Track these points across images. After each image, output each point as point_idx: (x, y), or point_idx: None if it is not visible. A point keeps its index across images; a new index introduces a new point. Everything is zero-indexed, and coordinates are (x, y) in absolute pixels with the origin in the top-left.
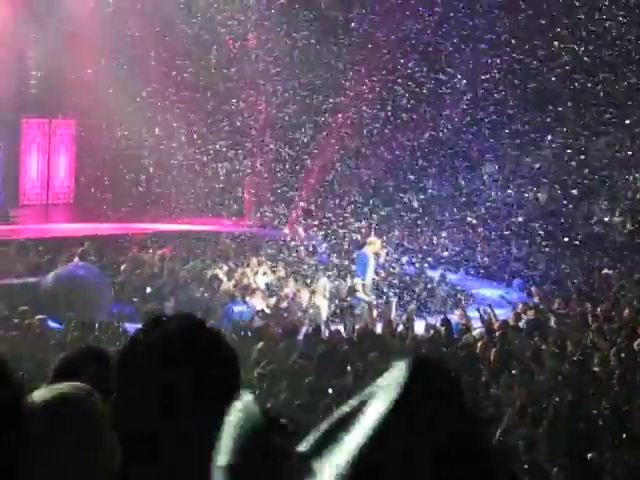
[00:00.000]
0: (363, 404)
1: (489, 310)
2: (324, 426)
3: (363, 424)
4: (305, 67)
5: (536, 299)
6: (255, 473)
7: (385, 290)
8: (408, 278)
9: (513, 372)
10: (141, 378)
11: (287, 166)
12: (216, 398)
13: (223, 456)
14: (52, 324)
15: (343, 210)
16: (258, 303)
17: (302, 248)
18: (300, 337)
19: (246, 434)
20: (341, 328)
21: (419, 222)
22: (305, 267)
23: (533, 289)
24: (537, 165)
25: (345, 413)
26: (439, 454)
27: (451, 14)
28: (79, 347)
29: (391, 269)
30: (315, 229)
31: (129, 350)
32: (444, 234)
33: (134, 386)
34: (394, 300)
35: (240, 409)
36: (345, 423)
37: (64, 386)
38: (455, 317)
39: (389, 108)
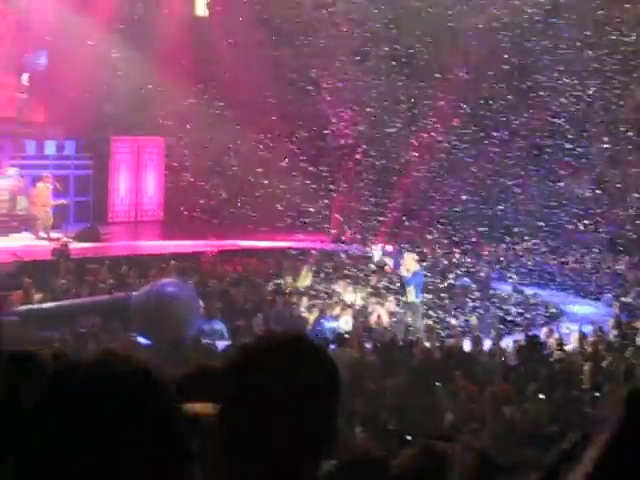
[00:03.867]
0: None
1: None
2: (548, 461)
3: (586, 459)
4: (394, 81)
5: (625, 315)
6: None
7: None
8: (500, 294)
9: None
10: (259, 394)
11: (375, 183)
12: (322, 412)
13: None
14: (141, 340)
15: (431, 227)
16: (347, 319)
17: (389, 265)
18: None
19: None
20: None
21: (508, 237)
22: (393, 284)
23: (621, 304)
24: (627, 178)
25: (568, 445)
26: None
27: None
28: (196, 364)
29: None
30: (403, 246)
31: (245, 367)
32: (533, 249)
33: (249, 401)
34: (475, 317)
35: None
36: (568, 457)
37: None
38: (545, 333)
39: (475, 121)
